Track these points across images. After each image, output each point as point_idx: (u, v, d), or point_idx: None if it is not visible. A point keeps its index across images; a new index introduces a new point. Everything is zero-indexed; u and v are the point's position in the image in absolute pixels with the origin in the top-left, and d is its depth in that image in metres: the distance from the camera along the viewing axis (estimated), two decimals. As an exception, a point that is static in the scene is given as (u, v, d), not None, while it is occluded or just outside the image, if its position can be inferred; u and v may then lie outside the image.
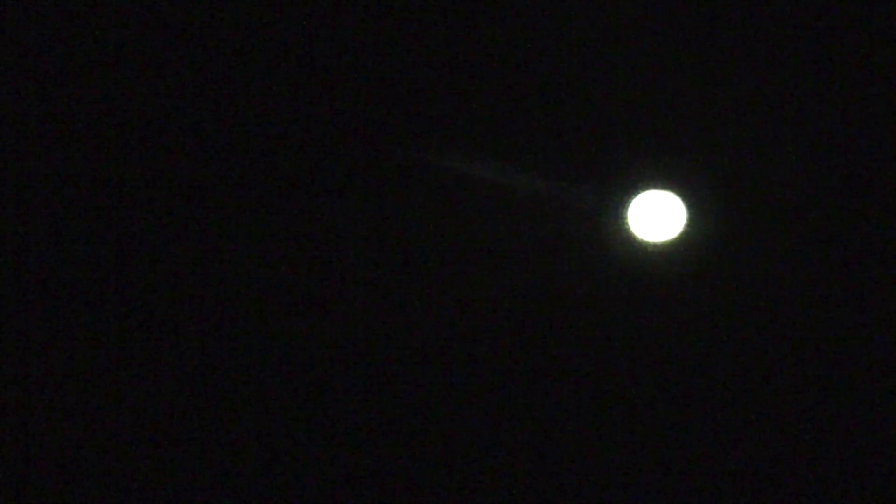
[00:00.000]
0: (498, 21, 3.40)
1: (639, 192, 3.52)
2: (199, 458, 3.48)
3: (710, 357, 3.57)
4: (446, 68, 3.46)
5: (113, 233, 3.40)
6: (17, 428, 3.35)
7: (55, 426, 3.39)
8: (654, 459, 3.58)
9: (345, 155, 3.49)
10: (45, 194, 3.35)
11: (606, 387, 3.59)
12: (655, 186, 3.52)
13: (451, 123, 3.50)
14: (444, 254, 3.53)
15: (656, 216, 3.52)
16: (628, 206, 3.52)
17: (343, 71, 3.43)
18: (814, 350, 3.53)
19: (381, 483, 3.55)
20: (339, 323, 3.55)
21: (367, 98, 3.46)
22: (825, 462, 3.53)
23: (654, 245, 3.52)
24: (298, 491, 3.52)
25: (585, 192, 3.49)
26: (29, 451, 3.36)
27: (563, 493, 3.60)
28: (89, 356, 3.42)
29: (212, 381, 3.50)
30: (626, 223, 3.52)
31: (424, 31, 3.41)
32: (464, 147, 3.52)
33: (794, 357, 3.54)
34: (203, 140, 3.42)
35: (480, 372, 3.61)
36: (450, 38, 3.43)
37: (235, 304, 3.49)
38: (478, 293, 3.57)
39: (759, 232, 3.50)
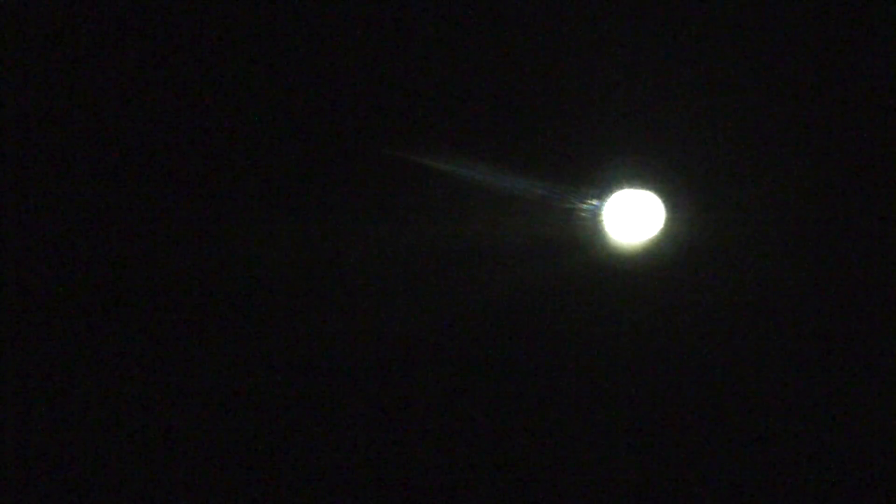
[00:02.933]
0: (478, 23, 3.42)
1: (617, 192, 3.53)
2: (198, 459, 3.50)
3: (689, 355, 3.56)
4: (426, 70, 3.47)
5: (111, 233, 3.42)
6: (17, 428, 3.36)
7: (56, 426, 3.41)
8: (635, 459, 3.58)
9: (329, 156, 3.51)
10: (45, 194, 3.38)
11: (584, 386, 3.59)
12: (633, 185, 3.53)
13: (429, 124, 3.51)
14: (419, 253, 3.53)
15: (634, 215, 3.52)
16: (606, 205, 3.52)
17: (327, 75, 3.45)
18: (794, 347, 3.53)
19: (371, 482, 3.56)
20: (324, 323, 3.55)
21: (350, 98, 3.47)
22: (810, 461, 3.54)
23: (633, 244, 3.53)
24: (292, 491, 3.53)
25: (562, 192, 3.49)
26: (29, 450, 3.39)
27: (551, 492, 3.61)
28: (89, 356, 3.45)
29: (208, 382, 3.52)
30: (605, 222, 3.53)
31: (405, 35, 3.43)
32: (442, 147, 3.52)
33: (774, 354, 3.54)
34: (194, 143, 3.44)
35: (460, 371, 3.61)
36: (430, 40, 3.45)
37: (227, 306, 3.50)
38: (456, 293, 3.58)
39: (738, 230, 3.49)
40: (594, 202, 3.52)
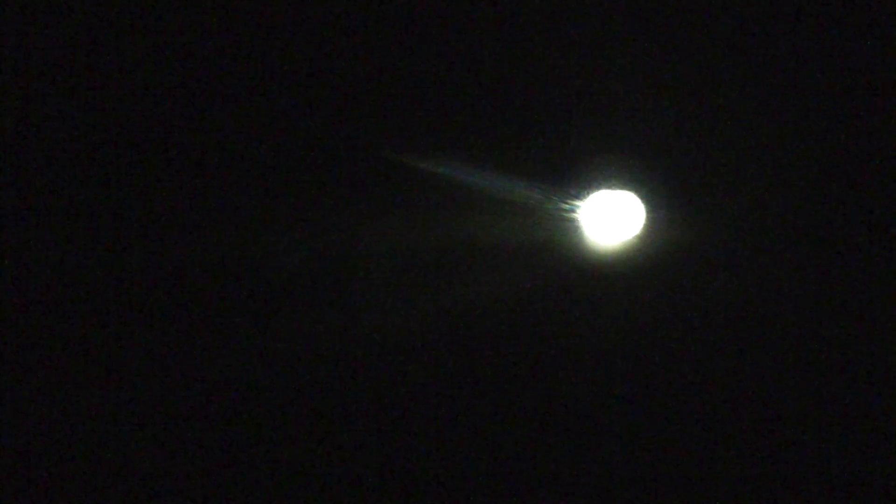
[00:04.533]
0: (457, 22, 3.41)
1: (595, 192, 3.48)
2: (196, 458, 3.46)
3: (671, 358, 3.51)
4: (402, 71, 3.46)
5: (107, 234, 3.41)
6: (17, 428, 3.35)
7: (55, 426, 3.39)
8: (620, 464, 3.52)
9: (309, 158, 3.49)
10: (46, 194, 3.37)
11: (562, 389, 3.53)
12: (613, 186, 3.48)
13: (404, 124, 3.49)
14: (393, 256, 3.49)
15: (614, 216, 3.48)
16: (585, 205, 3.47)
17: (310, 75, 3.44)
18: (778, 349, 3.48)
19: (357, 483, 3.51)
20: (308, 326, 3.51)
21: (330, 99, 3.46)
22: (796, 466, 3.49)
23: (612, 246, 3.48)
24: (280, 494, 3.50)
25: (540, 192, 3.44)
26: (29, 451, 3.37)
27: (536, 493, 3.55)
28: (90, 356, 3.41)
29: (201, 384, 3.49)
30: (583, 223, 3.48)
31: (380, 37, 3.43)
32: (416, 147, 3.49)
33: (757, 356, 3.49)
34: (185, 145, 3.43)
35: (438, 375, 3.55)
36: (409, 40, 3.44)
37: (216, 308, 3.47)
38: (431, 296, 3.53)
39: (720, 231, 3.46)
40: (572, 203, 3.48)
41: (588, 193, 3.48)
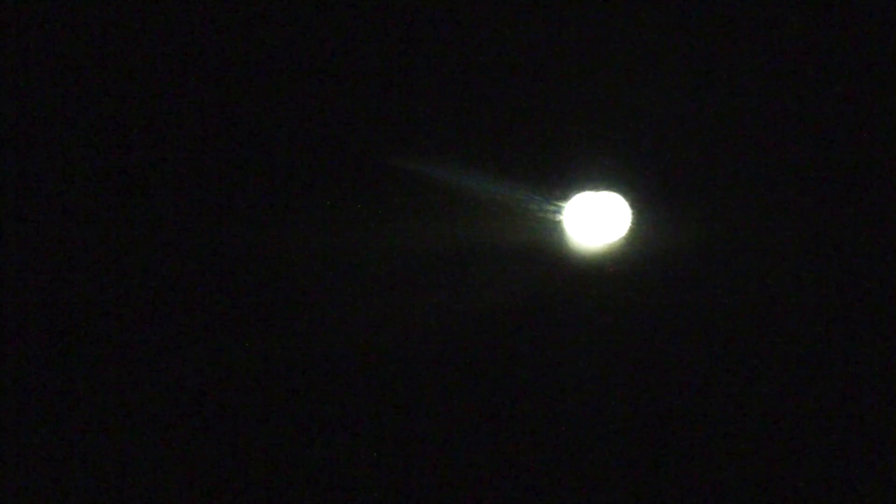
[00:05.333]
0: (437, 21, 3.39)
1: (579, 193, 3.44)
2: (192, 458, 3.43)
3: (656, 364, 3.45)
4: (384, 69, 3.44)
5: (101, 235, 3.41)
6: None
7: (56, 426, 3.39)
8: (603, 472, 3.46)
9: (286, 158, 3.47)
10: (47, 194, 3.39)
11: (543, 395, 3.47)
12: (597, 187, 3.44)
13: (386, 124, 3.46)
14: (373, 258, 3.45)
15: (598, 218, 3.43)
16: (568, 207, 3.43)
17: (290, 76, 3.43)
18: (768, 353, 3.42)
19: (339, 487, 3.47)
20: (290, 330, 3.48)
21: (310, 100, 3.44)
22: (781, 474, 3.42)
23: (597, 249, 3.44)
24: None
25: (522, 194, 3.40)
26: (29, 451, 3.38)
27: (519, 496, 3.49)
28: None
29: (190, 388, 3.46)
30: (567, 226, 3.43)
31: (360, 34, 3.41)
32: (399, 147, 3.46)
33: (746, 361, 3.43)
34: (171, 147, 3.43)
35: (421, 379, 3.50)
36: (388, 39, 3.42)
37: (201, 314, 3.46)
38: (408, 302, 3.48)
39: (708, 234, 3.41)
40: (556, 204, 3.43)
41: (572, 195, 3.44)
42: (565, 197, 3.43)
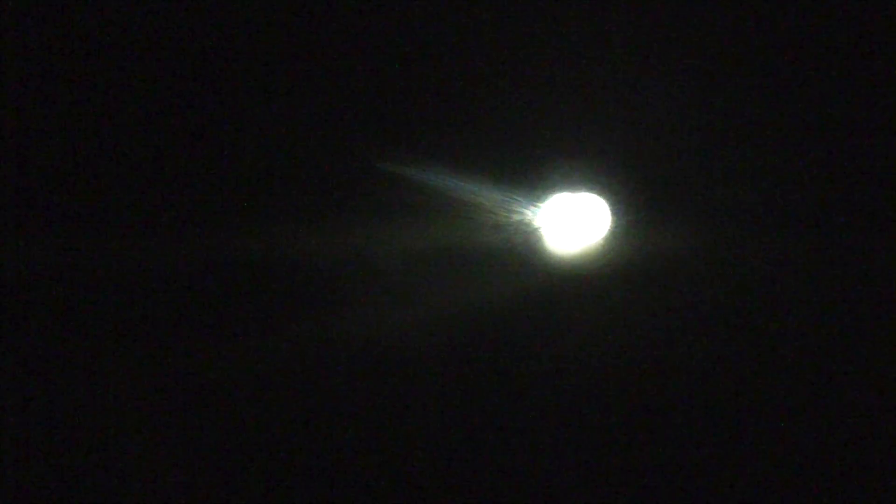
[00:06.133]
0: (414, 21, 3.31)
1: (557, 194, 3.36)
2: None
3: (636, 372, 3.41)
4: (359, 70, 3.35)
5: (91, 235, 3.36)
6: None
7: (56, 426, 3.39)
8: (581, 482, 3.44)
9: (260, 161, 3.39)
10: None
11: (520, 404, 3.44)
12: (577, 188, 3.36)
13: (359, 125, 3.38)
14: (343, 262, 3.39)
15: (577, 220, 3.36)
16: (546, 209, 3.36)
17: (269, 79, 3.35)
18: (751, 360, 3.40)
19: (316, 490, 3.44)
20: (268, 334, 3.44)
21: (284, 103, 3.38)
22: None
23: (575, 253, 3.37)
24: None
25: (496, 195, 3.32)
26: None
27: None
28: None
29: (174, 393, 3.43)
30: (544, 228, 3.36)
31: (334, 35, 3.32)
32: (371, 148, 3.36)
33: (729, 368, 3.40)
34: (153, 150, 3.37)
35: (394, 387, 3.45)
36: (364, 39, 3.33)
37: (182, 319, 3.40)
38: (386, 304, 3.42)
39: (690, 236, 3.35)
40: (534, 206, 3.35)
41: (550, 196, 3.35)
42: (542, 198, 3.35)
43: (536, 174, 3.33)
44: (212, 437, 3.39)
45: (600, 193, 3.34)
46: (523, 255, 3.36)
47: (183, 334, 3.39)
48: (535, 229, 3.35)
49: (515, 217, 3.33)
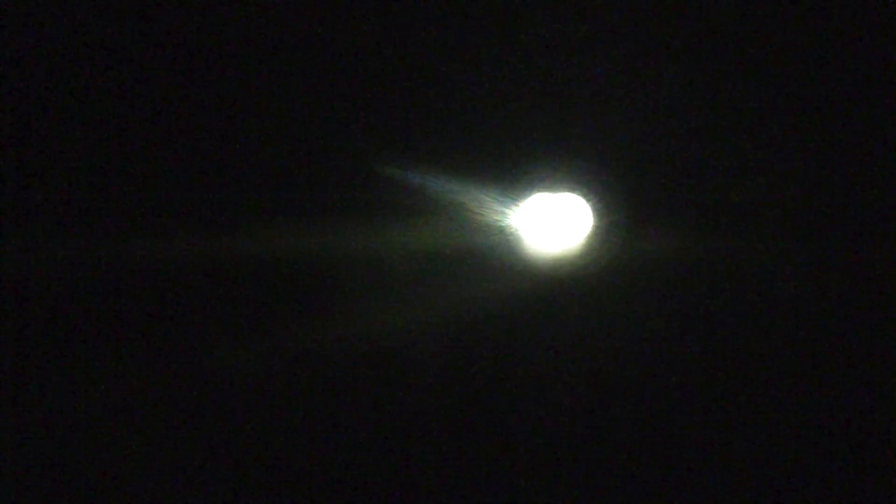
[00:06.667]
0: (384, 18, 3.28)
1: (538, 194, 3.31)
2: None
3: (617, 379, 3.34)
4: (329, 63, 3.31)
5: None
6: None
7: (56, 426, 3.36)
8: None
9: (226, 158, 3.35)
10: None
11: (495, 414, 3.36)
12: (557, 187, 3.31)
13: (326, 121, 3.33)
14: (309, 264, 3.33)
15: (558, 221, 3.31)
16: (524, 210, 3.30)
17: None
18: (729, 358, 3.33)
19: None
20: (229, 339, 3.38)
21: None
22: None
23: (555, 256, 3.32)
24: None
25: (472, 195, 3.27)
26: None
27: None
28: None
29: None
30: (524, 229, 3.31)
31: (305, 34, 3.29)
32: (342, 145, 3.32)
33: (712, 376, 3.33)
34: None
35: (361, 398, 3.37)
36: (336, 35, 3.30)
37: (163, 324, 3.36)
38: (364, 306, 3.35)
39: (675, 239, 3.31)
40: (511, 207, 3.30)
41: (530, 196, 3.30)
42: (520, 198, 3.30)
43: (516, 173, 3.29)
44: (202, 438, 3.36)
45: (582, 193, 3.30)
46: (501, 257, 3.31)
47: (165, 337, 3.35)
48: (514, 230, 3.30)
49: (493, 217, 3.28)
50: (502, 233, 3.28)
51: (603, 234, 3.27)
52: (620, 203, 3.27)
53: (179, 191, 3.32)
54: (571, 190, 3.28)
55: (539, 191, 3.28)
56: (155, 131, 3.32)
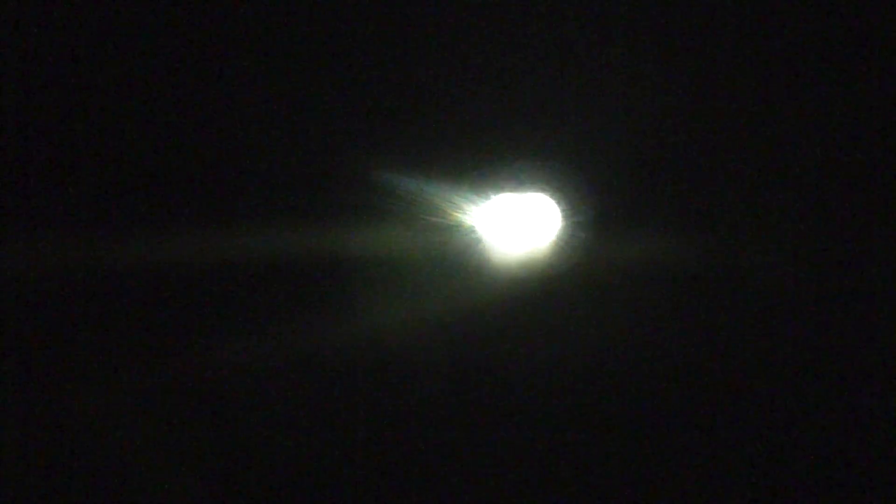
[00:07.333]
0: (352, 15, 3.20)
1: (503, 193, 3.23)
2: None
3: (586, 388, 3.29)
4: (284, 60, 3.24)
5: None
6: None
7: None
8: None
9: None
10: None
11: (452, 417, 3.32)
12: (523, 186, 3.23)
13: (273, 114, 3.25)
14: (256, 270, 3.26)
15: (524, 222, 3.23)
16: (490, 210, 3.22)
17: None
18: (698, 363, 3.29)
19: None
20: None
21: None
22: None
23: (521, 258, 3.25)
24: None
25: (433, 195, 3.19)
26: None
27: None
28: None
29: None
30: (488, 231, 3.23)
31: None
32: (291, 139, 3.23)
33: (683, 384, 3.30)
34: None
35: (312, 403, 3.32)
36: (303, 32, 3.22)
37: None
38: (313, 313, 3.27)
39: (648, 242, 3.26)
40: (474, 206, 3.22)
41: (494, 196, 3.22)
42: (483, 197, 3.23)
43: (479, 171, 3.22)
44: (201, 438, 3.34)
45: (549, 193, 3.23)
46: (463, 260, 3.25)
47: (159, 339, 3.32)
48: (477, 232, 3.23)
49: (455, 218, 3.21)
50: (467, 234, 3.22)
51: (571, 236, 3.22)
52: (589, 203, 3.22)
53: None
54: (539, 190, 3.22)
55: (506, 190, 3.22)
56: (151, 134, 3.28)
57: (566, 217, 3.20)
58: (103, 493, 3.35)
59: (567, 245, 3.21)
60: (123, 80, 3.26)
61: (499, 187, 3.20)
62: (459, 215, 3.20)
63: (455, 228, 3.21)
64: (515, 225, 3.21)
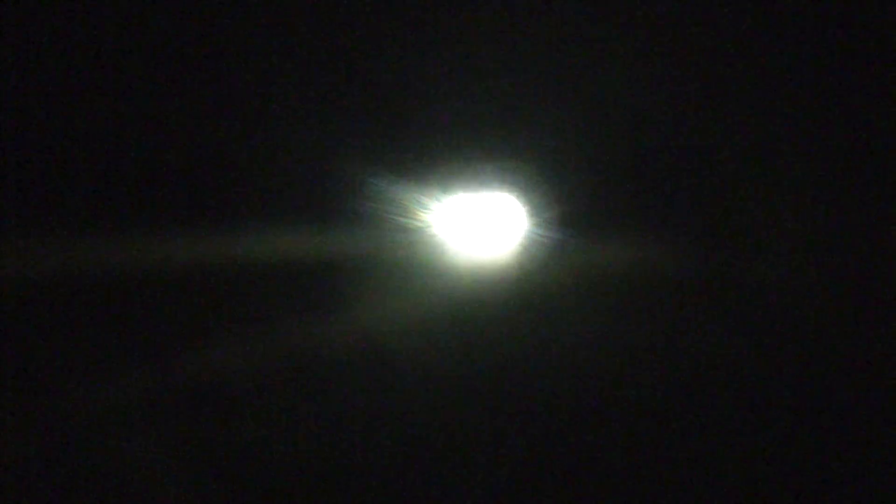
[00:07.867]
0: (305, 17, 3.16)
1: (464, 194, 3.17)
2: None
3: (555, 395, 3.25)
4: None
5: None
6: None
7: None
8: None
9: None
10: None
11: (413, 427, 3.27)
12: (487, 186, 3.17)
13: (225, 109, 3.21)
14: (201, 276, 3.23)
15: (487, 224, 3.17)
16: (450, 211, 3.16)
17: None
18: (671, 366, 3.26)
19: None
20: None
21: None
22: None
23: (485, 261, 3.20)
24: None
25: (393, 195, 3.12)
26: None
27: None
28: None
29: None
30: (449, 233, 3.17)
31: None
32: (242, 134, 3.18)
33: (655, 391, 3.27)
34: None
35: (270, 413, 3.27)
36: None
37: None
38: (263, 323, 3.22)
39: (619, 246, 3.22)
40: (433, 207, 3.16)
41: (453, 194, 3.17)
42: (444, 197, 3.17)
43: (441, 169, 3.16)
44: (199, 438, 3.31)
45: (515, 193, 3.17)
46: (423, 263, 3.19)
47: (154, 341, 3.29)
48: (442, 231, 3.17)
49: (415, 219, 3.15)
50: (423, 236, 3.17)
51: (537, 238, 3.16)
52: (555, 203, 3.16)
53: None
54: (504, 189, 3.16)
55: (471, 190, 3.17)
56: (147, 137, 3.25)
57: (532, 217, 3.14)
58: (103, 493, 3.33)
59: (533, 245, 3.16)
60: (124, 81, 3.24)
61: (465, 187, 3.15)
62: (426, 215, 3.14)
63: (421, 228, 3.16)
64: (481, 225, 3.16)
